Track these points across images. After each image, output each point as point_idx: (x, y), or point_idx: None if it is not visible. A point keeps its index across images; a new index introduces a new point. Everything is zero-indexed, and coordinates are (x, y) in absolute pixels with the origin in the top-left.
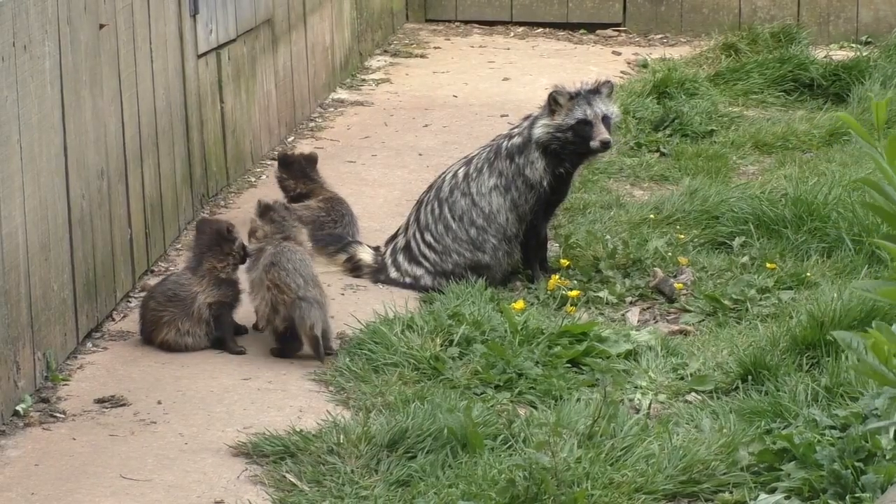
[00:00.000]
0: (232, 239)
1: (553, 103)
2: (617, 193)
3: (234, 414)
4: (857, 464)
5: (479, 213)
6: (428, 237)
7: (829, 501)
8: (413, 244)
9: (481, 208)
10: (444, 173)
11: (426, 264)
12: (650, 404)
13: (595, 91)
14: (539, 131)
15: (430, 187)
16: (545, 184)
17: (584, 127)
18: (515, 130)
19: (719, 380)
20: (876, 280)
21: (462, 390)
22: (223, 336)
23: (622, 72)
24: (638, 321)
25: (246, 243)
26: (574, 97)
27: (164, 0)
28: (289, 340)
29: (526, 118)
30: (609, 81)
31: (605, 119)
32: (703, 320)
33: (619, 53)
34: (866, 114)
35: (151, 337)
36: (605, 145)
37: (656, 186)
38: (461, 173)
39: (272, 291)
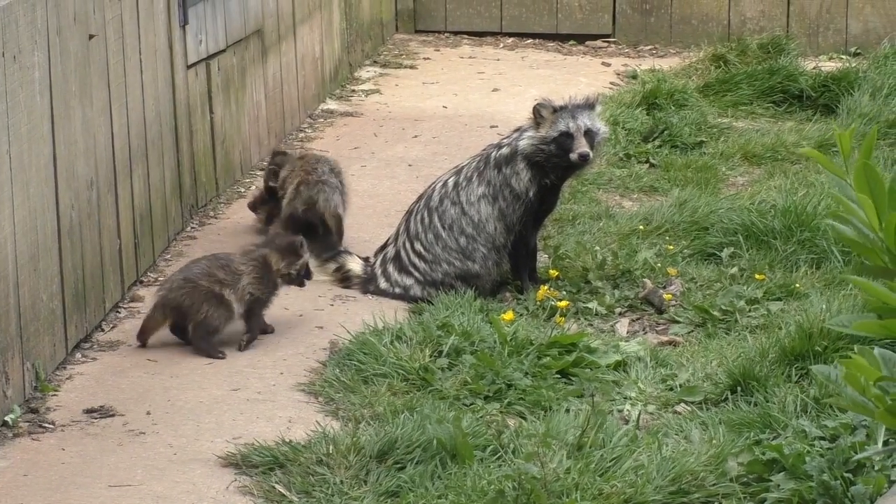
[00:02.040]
0: (300, 255)
1: (537, 116)
2: (606, 204)
3: (223, 424)
4: (846, 475)
5: (468, 222)
6: (418, 246)
7: None
8: (403, 254)
9: (470, 217)
10: (434, 183)
11: (416, 274)
12: (639, 415)
13: (582, 106)
14: (524, 143)
15: (420, 197)
16: (531, 195)
17: (566, 140)
18: (505, 141)
19: (708, 391)
20: (853, 315)
21: (451, 401)
22: (250, 329)
23: (612, 83)
24: (627, 332)
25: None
26: (558, 110)
27: (154, 11)
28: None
29: (516, 130)
30: (597, 97)
31: (588, 133)
32: (693, 331)
33: (609, 64)
34: (858, 121)
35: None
36: (583, 158)
37: (646, 197)
38: (451, 182)
39: (301, 174)
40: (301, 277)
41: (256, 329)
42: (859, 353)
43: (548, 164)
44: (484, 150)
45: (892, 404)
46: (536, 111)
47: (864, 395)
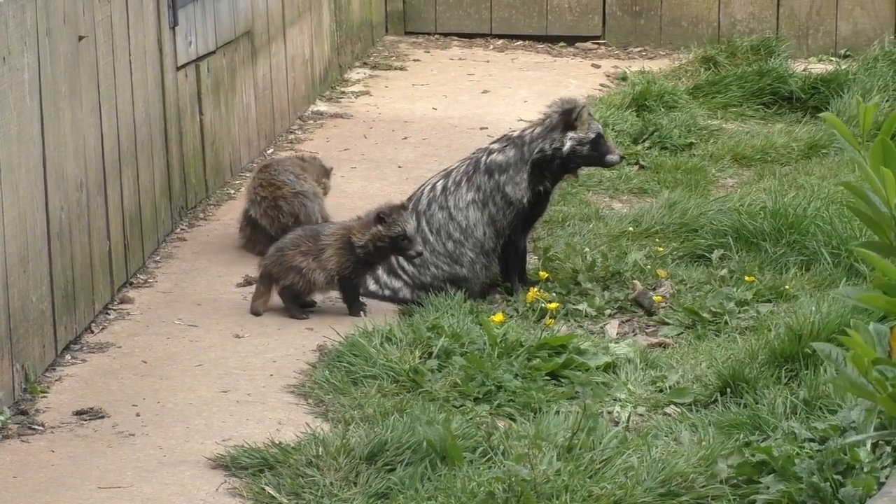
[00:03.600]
0: (371, 227)
1: (578, 119)
2: (596, 206)
3: (212, 426)
4: (835, 476)
5: (455, 227)
6: None
7: None
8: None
9: (458, 222)
10: (422, 186)
11: (404, 277)
12: (629, 417)
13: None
14: (569, 144)
15: (409, 200)
16: (525, 201)
17: (601, 141)
18: (495, 146)
19: (698, 392)
20: (857, 288)
21: (441, 403)
22: (349, 305)
23: (601, 84)
24: (617, 334)
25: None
26: (590, 113)
27: (144, 12)
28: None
29: (506, 136)
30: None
31: None
32: (682, 333)
33: (599, 66)
34: (846, 125)
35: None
36: (622, 159)
37: (635, 199)
38: (439, 186)
39: (268, 189)
40: (400, 244)
41: (356, 303)
42: (855, 328)
43: (570, 165)
44: (473, 153)
45: (895, 391)
46: (581, 112)
47: (865, 376)
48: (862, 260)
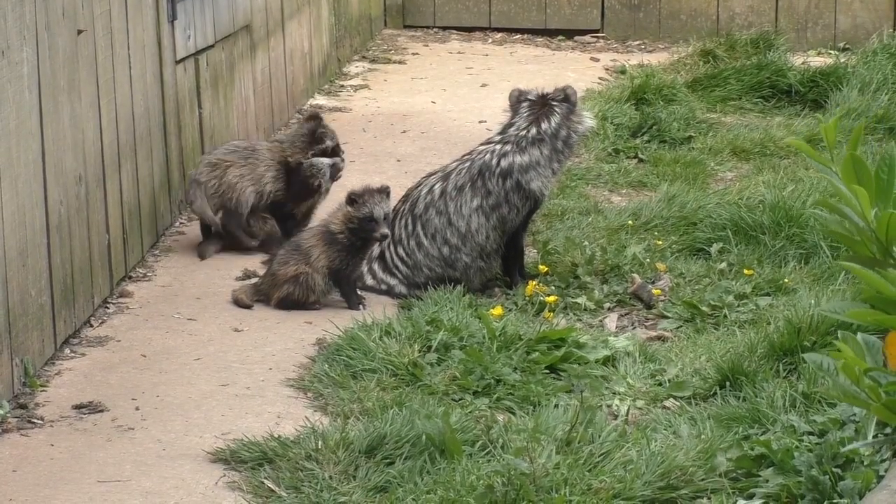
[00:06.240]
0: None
1: (576, 97)
2: (595, 199)
3: (212, 420)
4: (834, 469)
5: (453, 233)
6: (400, 251)
7: None
8: (387, 255)
9: (457, 227)
10: (419, 186)
11: (399, 276)
12: (628, 410)
13: None
14: (593, 119)
15: (406, 198)
16: (546, 192)
17: None
18: (507, 148)
19: (697, 386)
20: (846, 301)
21: (440, 396)
22: (347, 299)
23: (600, 78)
24: (616, 327)
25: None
26: None
27: (143, 6)
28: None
29: (515, 136)
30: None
31: None
32: (681, 326)
33: (597, 60)
34: (843, 120)
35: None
36: None
37: (634, 193)
38: (437, 190)
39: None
40: (367, 226)
41: (353, 297)
42: (843, 340)
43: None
44: (472, 155)
45: (889, 399)
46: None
47: (857, 385)
48: None
